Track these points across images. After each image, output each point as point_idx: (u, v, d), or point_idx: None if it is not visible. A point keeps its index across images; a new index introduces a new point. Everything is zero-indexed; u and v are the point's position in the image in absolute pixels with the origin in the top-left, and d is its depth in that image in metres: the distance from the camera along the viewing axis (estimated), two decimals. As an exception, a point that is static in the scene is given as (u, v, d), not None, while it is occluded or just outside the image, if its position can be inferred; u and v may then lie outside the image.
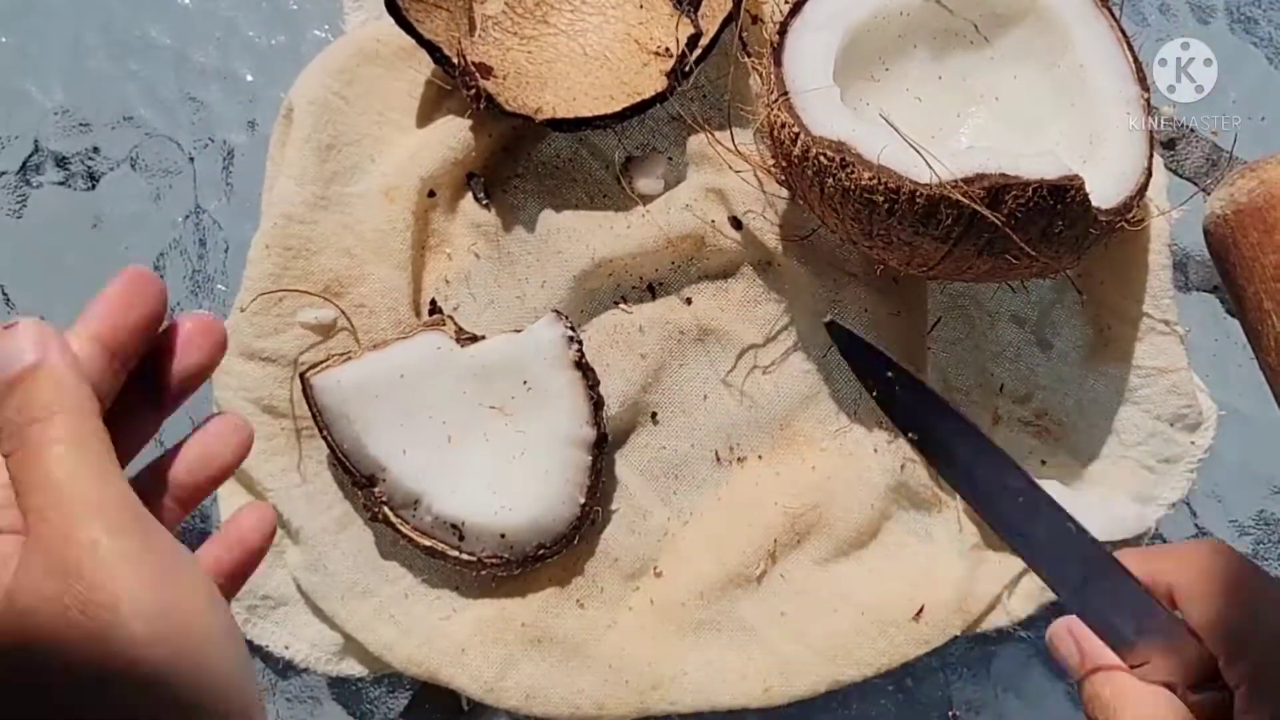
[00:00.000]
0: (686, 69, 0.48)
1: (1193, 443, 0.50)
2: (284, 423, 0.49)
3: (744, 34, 0.50)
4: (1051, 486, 0.48)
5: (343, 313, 0.49)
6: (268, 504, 0.37)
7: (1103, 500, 0.49)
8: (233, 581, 0.33)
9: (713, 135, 0.50)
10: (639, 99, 0.48)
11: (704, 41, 0.49)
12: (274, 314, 0.48)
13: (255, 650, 0.51)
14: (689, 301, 0.52)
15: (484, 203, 0.51)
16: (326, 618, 0.49)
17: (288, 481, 0.49)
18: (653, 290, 0.52)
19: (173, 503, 0.32)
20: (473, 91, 0.48)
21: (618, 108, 0.48)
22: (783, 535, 0.49)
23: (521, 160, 0.52)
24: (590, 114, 0.48)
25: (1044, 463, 0.51)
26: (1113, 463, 0.51)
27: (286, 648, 0.49)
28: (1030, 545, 0.42)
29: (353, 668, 0.49)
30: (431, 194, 0.50)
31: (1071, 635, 0.39)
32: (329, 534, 0.49)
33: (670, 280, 0.52)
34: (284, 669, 0.50)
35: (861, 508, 0.50)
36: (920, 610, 0.48)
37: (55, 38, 0.56)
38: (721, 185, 0.51)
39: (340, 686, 0.51)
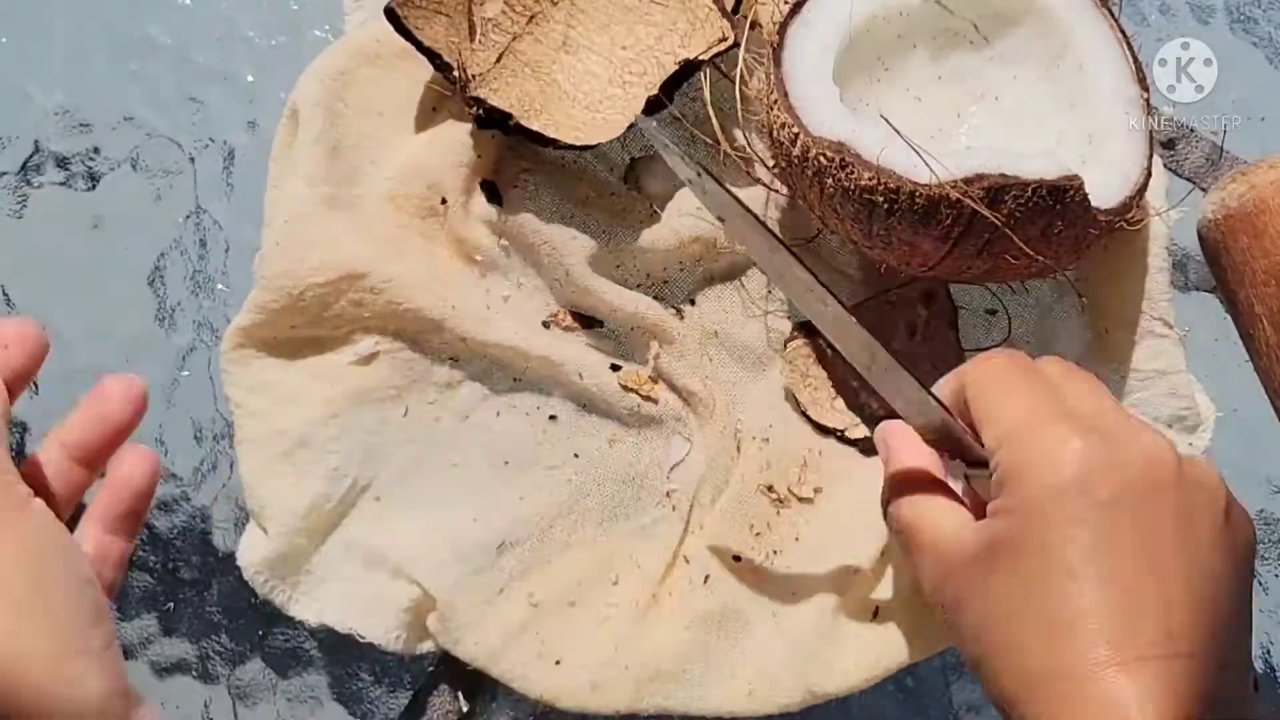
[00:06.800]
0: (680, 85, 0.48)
1: (1190, 444, 0.50)
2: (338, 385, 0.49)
3: (741, 38, 0.50)
4: None
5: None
6: (146, 447, 0.40)
7: None
8: (126, 523, 0.38)
9: (706, 139, 0.50)
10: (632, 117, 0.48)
11: (699, 56, 0.49)
12: (298, 307, 0.48)
13: (261, 648, 0.51)
14: (693, 302, 0.52)
15: (497, 201, 0.51)
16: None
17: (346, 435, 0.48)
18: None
19: (75, 464, 0.37)
20: (473, 108, 0.48)
21: (617, 132, 0.48)
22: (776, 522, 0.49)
23: (528, 158, 0.52)
24: (592, 141, 0.48)
25: None
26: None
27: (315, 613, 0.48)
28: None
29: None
30: (443, 201, 0.50)
31: (885, 439, 0.41)
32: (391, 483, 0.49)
33: (675, 280, 0.52)
34: (285, 668, 0.50)
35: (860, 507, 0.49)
36: (875, 611, 0.47)
37: (55, 38, 0.56)
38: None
39: (341, 686, 0.51)
